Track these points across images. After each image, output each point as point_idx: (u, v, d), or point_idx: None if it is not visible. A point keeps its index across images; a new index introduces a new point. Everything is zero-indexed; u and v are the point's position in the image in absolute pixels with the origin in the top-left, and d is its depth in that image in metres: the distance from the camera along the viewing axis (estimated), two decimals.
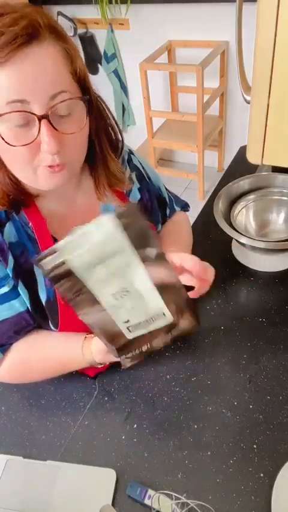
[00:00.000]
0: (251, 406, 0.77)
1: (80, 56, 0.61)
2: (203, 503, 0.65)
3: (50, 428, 0.79)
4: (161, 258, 0.57)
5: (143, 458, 0.72)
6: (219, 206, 1.03)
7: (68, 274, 0.54)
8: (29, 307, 0.74)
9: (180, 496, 0.66)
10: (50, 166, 0.60)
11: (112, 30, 2.59)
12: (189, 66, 2.29)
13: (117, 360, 0.68)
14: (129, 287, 0.58)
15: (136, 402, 0.80)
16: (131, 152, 0.88)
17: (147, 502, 0.66)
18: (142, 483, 0.69)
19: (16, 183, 0.66)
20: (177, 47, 2.57)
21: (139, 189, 0.87)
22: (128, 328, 0.62)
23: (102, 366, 0.78)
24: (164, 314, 0.62)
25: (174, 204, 1.01)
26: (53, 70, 0.55)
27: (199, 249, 1.09)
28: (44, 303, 0.74)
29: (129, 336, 0.64)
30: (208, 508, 0.65)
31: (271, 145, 0.61)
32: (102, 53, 2.72)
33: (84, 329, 0.75)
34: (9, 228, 0.69)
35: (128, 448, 0.74)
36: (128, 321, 0.62)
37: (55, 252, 0.52)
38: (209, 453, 0.72)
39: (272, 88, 0.54)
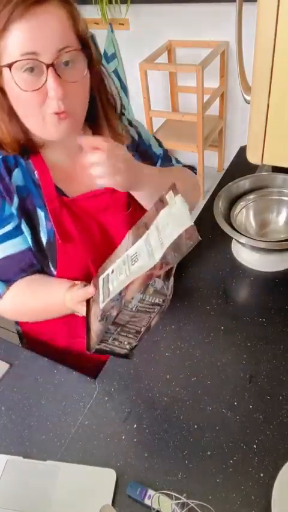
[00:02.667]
0: (251, 406, 0.77)
1: (82, 18, 0.71)
2: (203, 503, 0.65)
3: (50, 428, 0.79)
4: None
5: (143, 458, 0.72)
6: (219, 206, 1.03)
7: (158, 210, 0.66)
8: (32, 247, 0.82)
9: (180, 496, 0.66)
10: (56, 114, 0.68)
11: (112, 30, 2.59)
12: (189, 66, 2.29)
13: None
14: (136, 263, 0.65)
15: (136, 402, 0.80)
16: (130, 121, 0.93)
17: (147, 502, 0.66)
18: (142, 483, 0.69)
19: (25, 132, 0.74)
20: (177, 47, 2.57)
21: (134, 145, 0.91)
22: (106, 274, 0.70)
23: (80, 314, 0.80)
24: (106, 299, 0.67)
25: (174, 162, 1.02)
26: (59, 27, 0.64)
27: (199, 249, 1.09)
28: (44, 244, 0.82)
29: (101, 276, 0.72)
30: (208, 508, 0.65)
31: (271, 145, 0.60)
32: (102, 53, 2.72)
33: (81, 271, 0.84)
34: (17, 173, 0.78)
35: (128, 448, 0.74)
36: (112, 271, 0.69)
37: (173, 198, 0.63)
38: (209, 453, 0.72)
39: (272, 88, 0.54)
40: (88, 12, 2.59)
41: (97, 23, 2.62)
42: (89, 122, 0.79)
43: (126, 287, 0.63)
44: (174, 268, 0.62)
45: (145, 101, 2.47)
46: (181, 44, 2.53)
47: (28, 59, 0.63)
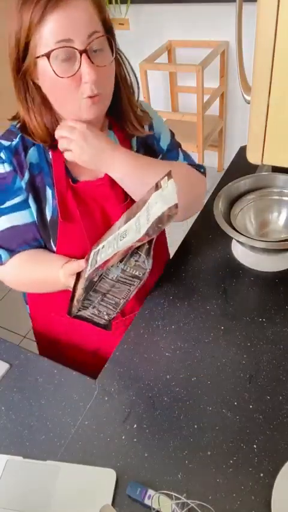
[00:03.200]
0: (251, 406, 0.77)
1: (106, 7, 0.77)
2: (203, 503, 0.65)
3: (50, 428, 0.79)
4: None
5: (143, 458, 0.72)
6: (219, 206, 1.03)
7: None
8: (36, 221, 0.87)
9: (180, 496, 0.66)
10: (90, 98, 0.74)
11: None
12: (189, 66, 2.29)
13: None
14: (124, 238, 0.69)
15: (136, 402, 0.80)
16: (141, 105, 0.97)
17: (147, 502, 0.66)
18: (142, 483, 0.69)
19: (55, 123, 0.80)
20: (177, 47, 2.57)
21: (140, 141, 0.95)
22: (99, 248, 0.75)
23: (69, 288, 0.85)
24: (90, 268, 0.74)
25: (181, 158, 1.01)
26: (87, 15, 0.70)
27: (199, 249, 1.09)
28: (48, 220, 0.87)
29: (93, 249, 0.78)
30: (208, 508, 0.65)
31: (271, 145, 0.60)
32: None
33: (79, 251, 0.88)
34: (32, 151, 0.83)
35: (128, 448, 0.74)
36: (103, 247, 0.74)
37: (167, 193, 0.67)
38: (209, 453, 0.72)
39: (272, 88, 0.54)
40: None
41: None
42: (112, 107, 0.83)
43: (109, 258, 0.68)
44: (154, 242, 0.68)
45: (145, 101, 2.46)
46: (181, 44, 2.53)
47: (63, 47, 0.68)
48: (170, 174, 0.70)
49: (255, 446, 0.72)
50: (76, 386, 0.85)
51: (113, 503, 0.67)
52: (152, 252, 0.68)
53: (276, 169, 1.12)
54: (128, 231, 0.69)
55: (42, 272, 0.89)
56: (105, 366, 0.87)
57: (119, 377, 0.85)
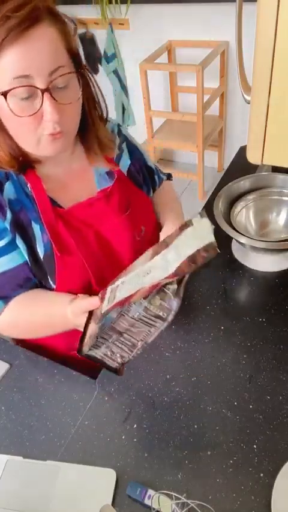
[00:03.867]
0: (251, 406, 0.77)
1: (72, 33, 0.70)
2: (203, 503, 0.65)
3: (50, 428, 0.79)
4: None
5: (143, 458, 0.72)
6: (219, 206, 1.03)
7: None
8: (28, 261, 0.79)
9: (180, 496, 0.66)
10: (52, 135, 0.69)
11: (112, 30, 2.59)
12: (189, 66, 2.29)
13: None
14: (148, 274, 0.62)
15: (136, 402, 0.80)
16: (119, 125, 0.95)
17: (147, 502, 0.66)
18: (142, 483, 0.69)
19: (21, 149, 0.74)
20: (177, 47, 2.56)
21: (131, 158, 0.94)
22: (118, 284, 0.66)
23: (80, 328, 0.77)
24: (108, 303, 0.65)
25: (160, 173, 1.06)
26: (52, 48, 0.63)
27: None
28: (42, 257, 0.80)
29: (110, 285, 0.67)
30: (208, 508, 0.65)
31: (271, 145, 0.60)
32: (102, 53, 2.72)
33: (81, 283, 0.82)
34: (8, 187, 0.77)
35: (128, 448, 0.74)
36: (122, 283, 0.65)
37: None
38: (209, 453, 0.72)
39: (272, 88, 0.54)
40: (88, 12, 2.59)
41: (97, 23, 2.62)
42: (79, 129, 0.78)
43: (132, 294, 0.60)
44: (184, 282, 0.61)
45: (145, 101, 2.47)
46: (181, 44, 2.53)
47: (23, 86, 0.62)
48: (202, 213, 0.65)
49: (255, 446, 0.72)
50: (76, 386, 0.85)
51: (113, 503, 0.67)
52: (181, 294, 0.62)
53: (276, 169, 1.12)
54: (153, 268, 0.62)
55: (46, 313, 0.81)
56: None
57: (119, 377, 0.85)
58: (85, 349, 0.67)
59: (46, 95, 0.64)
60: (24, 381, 0.87)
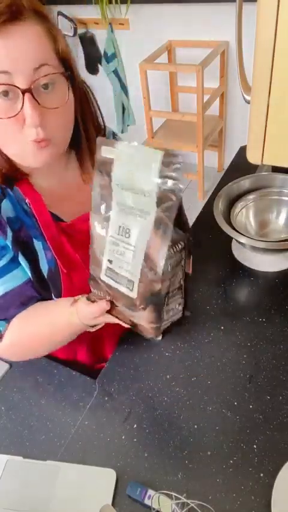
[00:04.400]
0: (251, 406, 0.77)
1: (63, 36, 0.65)
2: (203, 503, 0.65)
3: (50, 428, 0.79)
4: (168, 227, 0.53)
5: (143, 458, 0.72)
6: (219, 206, 1.03)
7: (108, 174, 0.55)
8: (31, 278, 0.76)
9: (180, 496, 0.66)
10: (36, 142, 0.62)
11: (112, 30, 2.59)
12: (189, 66, 2.29)
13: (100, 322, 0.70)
14: (130, 232, 0.56)
15: (136, 402, 0.80)
16: (114, 134, 0.90)
17: (147, 502, 0.66)
18: (142, 483, 0.69)
19: (8, 160, 0.68)
20: (177, 47, 2.57)
21: None
22: (105, 268, 0.60)
23: (94, 329, 0.75)
24: (132, 286, 0.58)
25: None
26: (35, 46, 0.59)
27: (199, 249, 1.09)
28: (46, 274, 0.77)
29: (101, 276, 0.62)
30: (208, 508, 0.65)
31: (271, 145, 0.60)
32: (102, 53, 2.72)
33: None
34: (5, 204, 0.72)
35: (128, 448, 0.74)
36: (110, 262, 0.60)
37: (114, 147, 0.53)
38: (209, 453, 0.72)
39: (272, 88, 0.54)
40: (88, 12, 2.59)
41: (97, 23, 2.62)
42: (74, 145, 0.74)
43: (148, 257, 0.54)
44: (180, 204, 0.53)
45: (145, 101, 2.47)
46: (181, 44, 2.53)
47: (1, 84, 0.57)
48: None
49: (255, 446, 0.72)
50: (76, 386, 0.85)
51: (113, 503, 0.67)
52: (183, 213, 0.54)
53: (276, 169, 1.12)
54: (127, 223, 0.55)
55: (49, 322, 0.76)
56: (105, 365, 0.87)
57: (119, 377, 0.85)
58: (158, 333, 0.63)
59: (27, 95, 0.58)
60: (24, 381, 0.87)
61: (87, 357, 1.00)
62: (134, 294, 0.58)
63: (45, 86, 0.60)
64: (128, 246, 0.57)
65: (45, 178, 0.76)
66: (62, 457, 0.74)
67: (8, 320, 0.77)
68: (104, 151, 0.54)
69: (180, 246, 0.57)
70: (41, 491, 0.70)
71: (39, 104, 0.60)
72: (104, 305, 0.65)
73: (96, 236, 0.61)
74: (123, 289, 0.59)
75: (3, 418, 0.81)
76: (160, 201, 0.52)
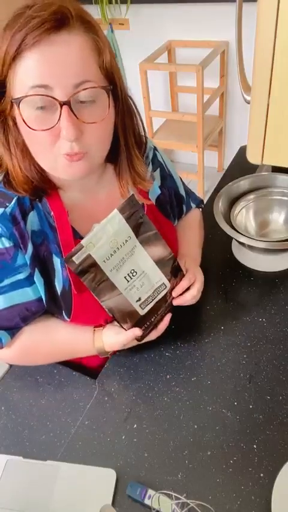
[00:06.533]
0: (251, 406, 0.77)
1: (110, 49, 0.62)
2: (203, 503, 0.65)
3: (50, 428, 0.79)
4: (156, 238, 0.72)
5: (143, 458, 0.72)
6: (219, 206, 1.03)
7: (93, 265, 0.66)
8: (43, 296, 0.76)
9: (180, 496, 0.66)
10: (68, 156, 0.61)
11: (112, 30, 2.59)
12: (189, 66, 2.29)
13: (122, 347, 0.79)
14: (136, 268, 0.71)
15: (136, 402, 0.80)
16: (155, 149, 0.89)
17: (147, 502, 0.66)
18: (142, 483, 0.69)
19: (40, 172, 0.67)
20: (177, 47, 2.57)
21: (160, 187, 0.89)
22: (140, 305, 0.75)
23: (109, 353, 0.84)
24: (164, 284, 0.77)
25: (191, 201, 1.02)
26: (78, 59, 0.56)
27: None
28: (59, 292, 0.76)
29: (142, 312, 0.76)
30: (208, 508, 0.65)
31: (271, 145, 0.61)
32: None
33: (94, 319, 0.81)
34: (32, 217, 0.71)
35: (128, 448, 0.74)
36: (139, 299, 0.74)
37: (81, 249, 0.64)
38: (209, 453, 0.72)
39: (272, 88, 0.54)
40: None
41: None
42: (112, 159, 0.73)
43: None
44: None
45: (145, 101, 2.47)
46: (181, 44, 2.53)
47: (39, 95, 0.55)
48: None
49: (255, 446, 0.72)
50: (76, 387, 0.84)
51: (113, 503, 0.67)
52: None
53: (276, 169, 1.12)
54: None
55: (69, 341, 0.81)
56: (105, 366, 0.87)
57: (119, 377, 0.85)
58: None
59: (65, 107, 0.56)
60: (24, 380, 0.87)
61: (88, 357, 1.00)
62: (169, 286, 0.78)
63: (84, 100, 0.59)
64: (140, 275, 0.73)
65: (76, 193, 0.75)
66: (62, 457, 0.74)
67: (10, 332, 0.78)
68: (77, 259, 0.65)
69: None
70: (41, 491, 0.70)
71: (77, 117, 0.58)
72: (137, 332, 0.74)
73: (116, 305, 0.72)
74: (160, 296, 0.78)
75: (3, 418, 0.81)
76: (137, 233, 0.70)
